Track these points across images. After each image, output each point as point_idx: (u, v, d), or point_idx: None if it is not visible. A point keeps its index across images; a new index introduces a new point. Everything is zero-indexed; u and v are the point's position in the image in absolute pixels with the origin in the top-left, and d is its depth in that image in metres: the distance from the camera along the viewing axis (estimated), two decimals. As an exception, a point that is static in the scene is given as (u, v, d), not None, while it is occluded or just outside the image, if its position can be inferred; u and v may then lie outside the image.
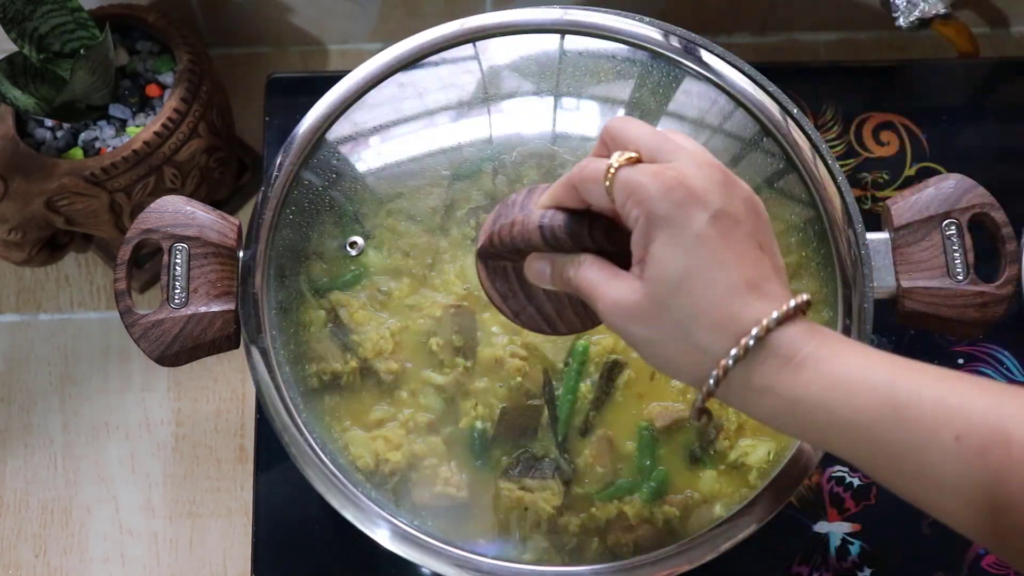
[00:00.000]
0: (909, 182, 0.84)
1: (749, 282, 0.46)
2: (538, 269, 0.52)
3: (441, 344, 0.62)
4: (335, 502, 0.60)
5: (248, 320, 0.62)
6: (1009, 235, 0.63)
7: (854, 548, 0.75)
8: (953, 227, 0.63)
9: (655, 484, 0.61)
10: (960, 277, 0.62)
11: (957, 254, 0.63)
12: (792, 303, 0.46)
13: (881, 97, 0.87)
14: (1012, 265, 0.62)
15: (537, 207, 0.51)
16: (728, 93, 0.65)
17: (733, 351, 0.45)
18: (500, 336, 0.62)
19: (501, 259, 0.54)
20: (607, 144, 0.50)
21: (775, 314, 0.45)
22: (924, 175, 0.84)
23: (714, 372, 0.46)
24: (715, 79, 0.65)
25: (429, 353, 0.62)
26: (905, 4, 0.86)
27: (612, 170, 0.47)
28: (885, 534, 0.75)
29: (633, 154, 0.47)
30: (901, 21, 0.87)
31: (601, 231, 0.49)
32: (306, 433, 0.61)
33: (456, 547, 0.59)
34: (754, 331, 0.45)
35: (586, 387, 0.62)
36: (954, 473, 0.43)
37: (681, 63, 0.66)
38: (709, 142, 0.65)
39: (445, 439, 0.61)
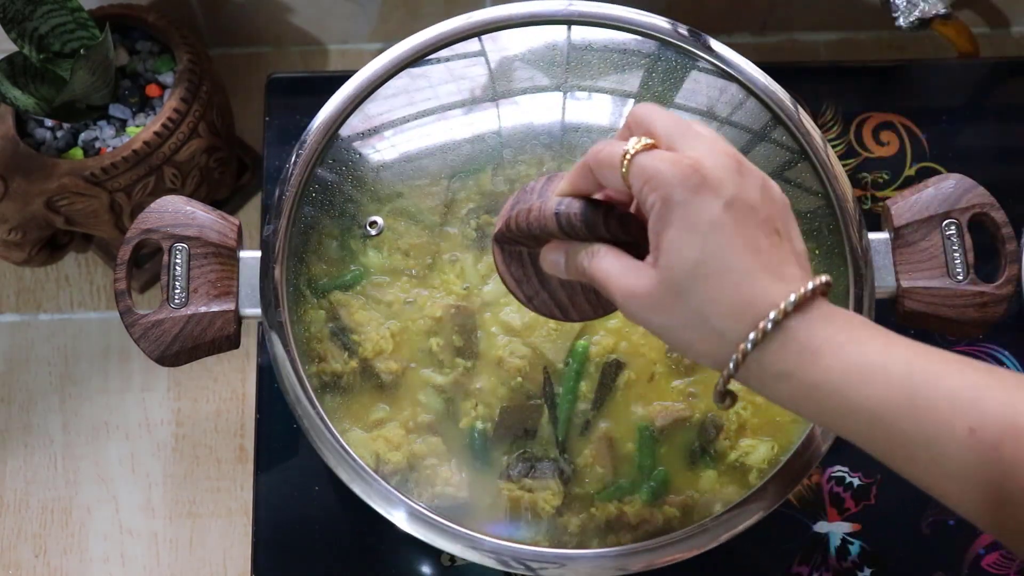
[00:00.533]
0: (909, 182, 0.85)
1: (765, 267, 0.46)
2: (553, 260, 0.52)
3: (441, 344, 0.62)
4: (347, 478, 0.60)
5: (265, 297, 0.62)
6: (1009, 235, 0.63)
7: (854, 548, 0.75)
8: (953, 227, 0.63)
9: (655, 484, 0.61)
10: (960, 277, 0.62)
11: (957, 254, 0.63)
12: (810, 285, 0.46)
13: (881, 97, 0.87)
14: (1012, 265, 0.63)
15: (555, 194, 0.51)
16: (736, 80, 0.65)
17: (751, 335, 0.45)
18: (500, 336, 0.62)
19: (517, 244, 0.54)
20: (631, 129, 0.50)
21: (792, 297, 0.45)
22: (924, 175, 0.84)
23: (733, 356, 0.46)
24: (723, 66, 0.66)
25: (429, 353, 0.62)
26: (905, 4, 0.86)
27: (628, 156, 0.47)
28: (885, 534, 0.75)
29: (649, 140, 0.48)
30: (901, 21, 0.87)
31: (616, 220, 0.50)
32: (320, 410, 0.61)
33: (472, 528, 0.60)
34: (771, 315, 0.45)
35: (586, 387, 0.62)
36: (966, 465, 0.43)
37: (689, 51, 0.66)
38: (719, 132, 0.65)
39: (445, 439, 0.61)
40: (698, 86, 0.66)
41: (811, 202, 0.64)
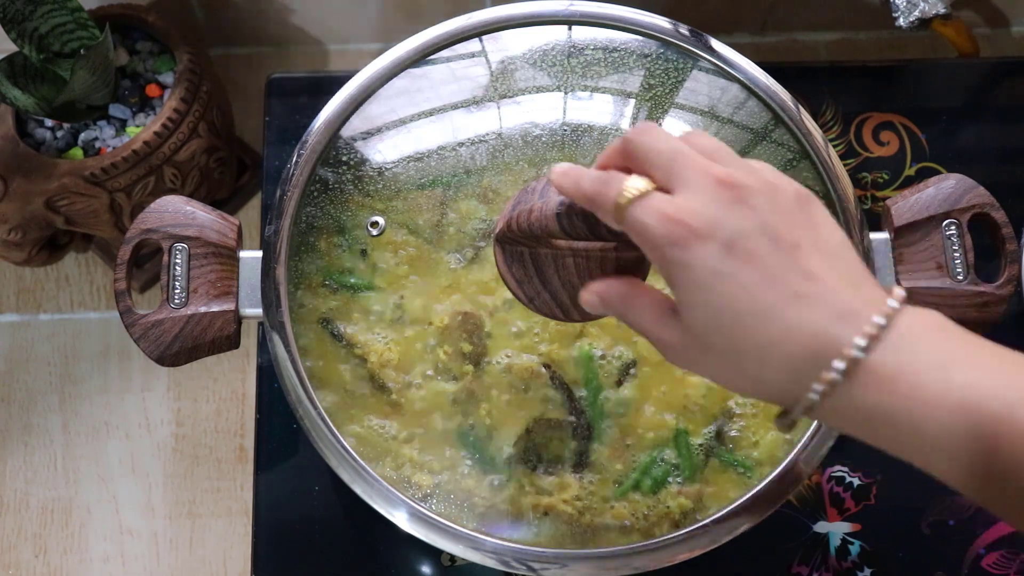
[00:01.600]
0: (909, 182, 0.85)
1: (795, 295, 0.42)
2: (591, 302, 0.50)
3: (449, 352, 0.62)
4: (347, 478, 0.60)
5: (267, 298, 0.62)
6: (1009, 235, 0.63)
7: (854, 548, 0.75)
8: (953, 227, 0.63)
9: (658, 483, 0.61)
10: (960, 277, 0.62)
11: (957, 254, 0.63)
12: (869, 307, 0.42)
13: (881, 97, 0.87)
14: (1012, 265, 0.63)
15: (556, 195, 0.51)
16: (738, 80, 0.66)
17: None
18: (505, 337, 0.62)
19: (518, 245, 0.54)
20: (626, 156, 0.47)
21: (857, 338, 0.41)
22: (924, 175, 0.84)
23: (800, 398, 0.43)
24: (724, 66, 0.66)
25: (438, 362, 0.62)
26: (905, 4, 0.86)
27: (621, 208, 0.45)
28: (885, 534, 0.75)
29: (641, 187, 0.45)
30: (901, 21, 0.87)
31: None
32: (321, 410, 0.61)
33: (474, 530, 0.60)
34: (835, 364, 0.42)
35: (593, 387, 0.62)
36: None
37: (691, 51, 0.66)
38: (720, 132, 0.65)
39: (448, 439, 0.61)
40: (699, 86, 0.66)
41: (824, 194, 0.64)
